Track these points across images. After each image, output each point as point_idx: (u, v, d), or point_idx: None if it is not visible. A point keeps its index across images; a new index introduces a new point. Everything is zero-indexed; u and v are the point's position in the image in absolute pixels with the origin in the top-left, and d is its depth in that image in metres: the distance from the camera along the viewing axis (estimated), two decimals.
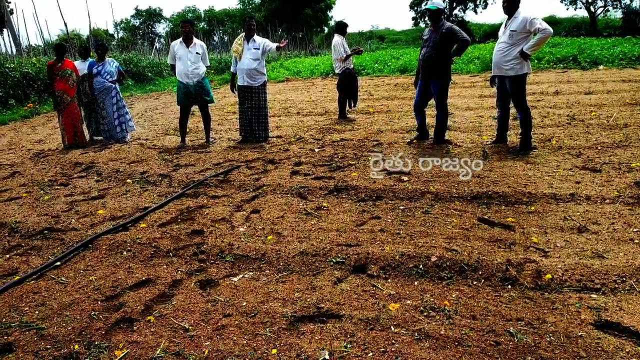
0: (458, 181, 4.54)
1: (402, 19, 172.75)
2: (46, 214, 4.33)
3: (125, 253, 3.38)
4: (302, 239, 3.41)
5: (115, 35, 71.47)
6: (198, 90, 6.78)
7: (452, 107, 8.89)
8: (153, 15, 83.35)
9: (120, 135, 7.55)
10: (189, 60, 6.64)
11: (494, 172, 4.77)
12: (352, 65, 8.41)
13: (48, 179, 5.59)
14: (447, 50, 5.76)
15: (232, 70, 6.92)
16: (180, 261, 3.21)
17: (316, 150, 6.29)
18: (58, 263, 3.25)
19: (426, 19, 56.28)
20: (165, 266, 3.14)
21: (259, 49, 6.61)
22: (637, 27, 33.02)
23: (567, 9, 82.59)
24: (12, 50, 24.90)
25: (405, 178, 4.75)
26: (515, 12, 5.25)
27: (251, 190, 4.71)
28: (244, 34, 6.68)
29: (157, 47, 23.90)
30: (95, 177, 5.59)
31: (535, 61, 15.21)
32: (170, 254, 3.31)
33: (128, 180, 5.32)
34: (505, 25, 5.38)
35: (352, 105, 8.76)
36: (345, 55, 8.10)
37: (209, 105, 7.07)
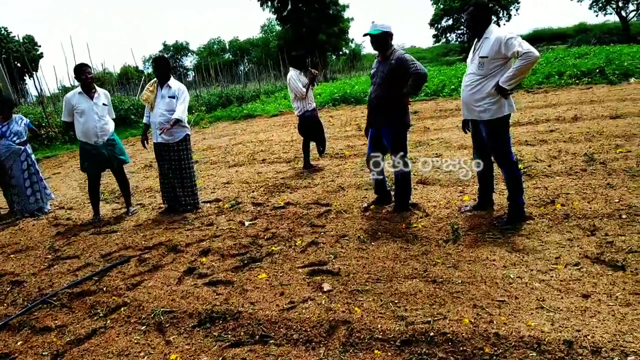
0: (397, 295, 2.95)
1: (428, 36, 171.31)
2: None
3: None
4: None
5: (145, 71, 73.49)
6: (110, 150, 5.47)
7: (442, 145, 7.28)
8: (180, 50, 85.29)
9: (35, 206, 6.30)
10: (96, 114, 5.34)
11: (459, 272, 3.17)
12: (313, 106, 6.96)
13: None
14: (399, 88, 4.25)
15: (144, 120, 5.57)
16: None
17: (246, 223, 4.83)
18: None
19: (442, 36, 54.95)
20: None
21: (174, 97, 5.25)
22: None
23: (597, 15, 79.03)
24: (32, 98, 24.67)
25: (327, 287, 3.19)
26: (484, 31, 3.71)
27: (101, 315, 3.26)
28: (155, 79, 5.35)
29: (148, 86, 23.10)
30: None
31: (556, 77, 13.38)
32: None
33: None
34: (474, 49, 3.84)
35: (321, 151, 7.29)
36: (304, 90, 6.67)
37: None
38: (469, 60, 3.92)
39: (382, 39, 4.24)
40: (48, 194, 6.48)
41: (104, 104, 5.41)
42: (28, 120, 6.44)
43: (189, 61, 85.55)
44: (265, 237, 4.35)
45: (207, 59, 48.13)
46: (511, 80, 3.56)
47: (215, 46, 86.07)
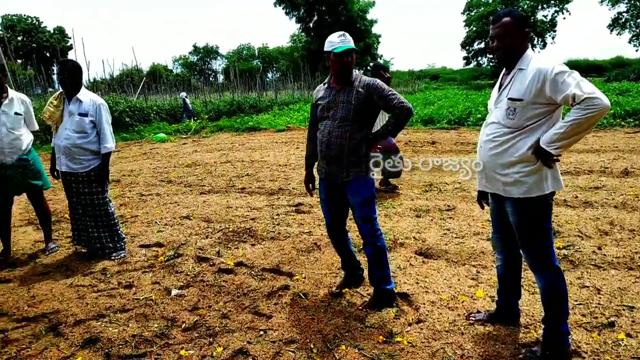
0: None
1: (458, 58, 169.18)
2: None
3: None
4: None
5: (174, 71, 73.64)
6: (20, 172, 4.21)
7: (458, 192, 5.86)
8: (210, 52, 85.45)
9: None
10: (3, 125, 4.10)
11: None
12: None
13: None
14: (366, 126, 3.02)
15: (52, 143, 4.30)
16: None
17: (173, 293, 3.50)
18: None
19: (473, 59, 52.05)
20: None
21: (87, 115, 3.99)
22: None
23: (637, 50, 76.18)
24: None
25: None
26: (517, 58, 2.34)
27: None
28: (61, 90, 4.09)
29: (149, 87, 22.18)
30: None
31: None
32: None
33: None
34: (500, 86, 2.47)
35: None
36: None
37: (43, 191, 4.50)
38: (491, 101, 2.55)
39: (352, 59, 2.94)
40: None
41: (16, 113, 4.17)
42: None
43: (217, 64, 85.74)
44: (185, 325, 3.02)
45: (234, 64, 47.52)
46: (561, 141, 2.18)
47: (244, 52, 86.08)
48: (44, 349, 2.82)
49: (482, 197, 2.75)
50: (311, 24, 40.78)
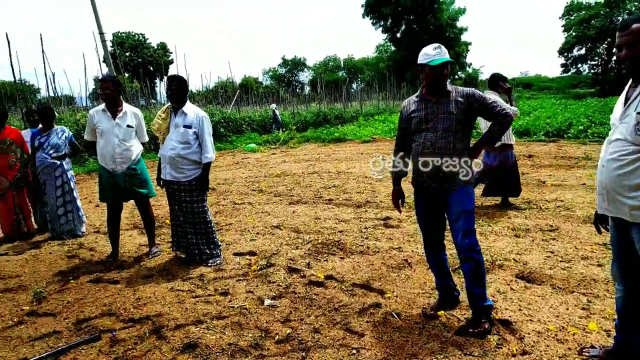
0: None
1: (554, 65, 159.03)
2: None
3: None
4: None
5: (263, 83, 76.98)
6: (129, 180, 4.57)
7: (560, 211, 5.45)
8: (297, 65, 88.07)
9: (66, 227, 5.64)
10: (116, 136, 4.48)
11: None
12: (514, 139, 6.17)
13: None
14: (468, 134, 3.01)
15: (159, 154, 4.57)
16: None
17: (266, 303, 3.57)
18: None
19: (572, 66, 48.32)
20: None
21: (190, 127, 4.23)
22: None
23: None
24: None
25: None
26: None
27: None
28: (169, 104, 4.35)
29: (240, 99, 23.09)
30: None
31: None
32: None
33: None
34: (627, 99, 2.22)
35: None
36: (516, 110, 6.10)
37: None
38: (615, 116, 2.29)
39: (447, 71, 2.93)
40: (81, 216, 5.80)
41: (128, 126, 4.53)
42: (70, 134, 5.84)
43: (304, 76, 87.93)
44: (278, 337, 3.05)
45: (320, 75, 48.49)
46: None
47: (330, 63, 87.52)
48: (148, 351, 2.98)
49: (600, 220, 2.49)
50: (398, 34, 40.49)
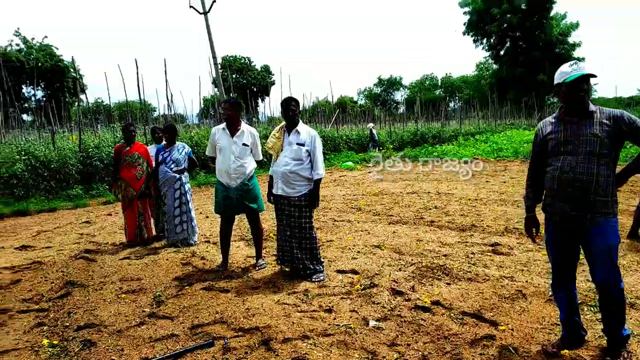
0: None
1: None
2: None
3: None
4: None
5: (358, 102, 78.09)
6: (241, 194, 4.82)
7: None
8: (393, 84, 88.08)
9: (181, 236, 6.08)
10: (232, 153, 4.77)
11: None
12: None
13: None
14: (614, 160, 2.73)
15: (270, 171, 4.75)
16: None
17: (370, 324, 3.53)
18: None
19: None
20: None
21: (303, 145, 4.35)
22: None
23: None
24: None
25: None
26: None
27: None
28: (284, 123, 4.52)
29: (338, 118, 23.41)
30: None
31: None
32: None
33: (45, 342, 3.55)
34: None
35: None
36: None
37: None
38: None
39: (588, 86, 2.71)
40: (194, 227, 6.21)
41: (244, 144, 4.81)
42: (189, 150, 6.32)
43: (399, 95, 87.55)
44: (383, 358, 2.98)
45: (416, 94, 47.91)
46: None
47: (427, 82, 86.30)
48: None
49: None
50: (502, 51, 38.84)
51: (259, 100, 56.18)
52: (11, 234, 7.75)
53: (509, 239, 5.72)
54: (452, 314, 3.60)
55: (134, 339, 3.49)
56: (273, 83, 63.54)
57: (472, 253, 5.16)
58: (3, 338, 3.59)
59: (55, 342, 3.46)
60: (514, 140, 17.23)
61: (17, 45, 42.14)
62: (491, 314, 3.58)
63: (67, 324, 3.79)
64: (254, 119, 24.13)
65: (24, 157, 10.52)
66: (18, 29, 43.58)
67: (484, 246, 5.43)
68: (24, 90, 42.69)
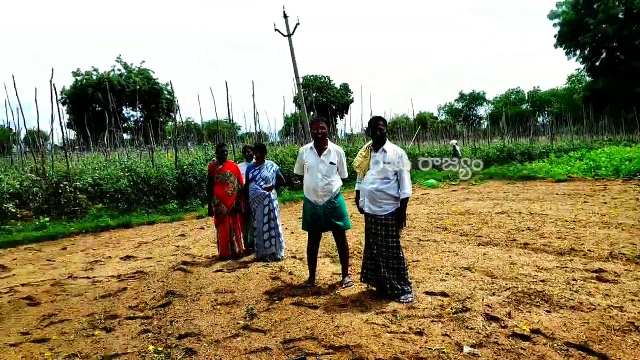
0: None
1: None
2: None
3: None
4: None
5: (439, 118, 76.69)
6: (328, 212, 4.90)
7: None
8: (476, 99, 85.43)
9: (270, 251, 6.29)
10: (320, 172, 4.88)
11: None
12: None
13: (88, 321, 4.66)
14: None
15: (357, 187, 4.79)
16: None
17: (465, 350, 3.40)
18: None
19: None
20: None
21: (390, 163, 4.33)
22: None
23: None
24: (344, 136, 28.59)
25: None
26: None
27: None
28: (371, 142, 4.52)
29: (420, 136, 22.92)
30: (141, 327, 4.32)
31: None
32: None
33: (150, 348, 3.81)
34: None
35: None
36: None
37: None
38: None
39: None
40: (281, 242, 6.40)
41: (331, 163, 4.90)
42: (278, 168, 6.55)
43: (482, 110, 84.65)
44: None
45: (502, 109, 45.92)
46: None
47: (513, 97, 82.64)
48: None
49: None
50: (598, 63, 36.26)
51: (338, 118, 56.86)
52: (117, 245, 8.45)
53: (615, 265, 5.26)
54: (555, 345, 3.37)
55: (230, 350, 3.64)
56: (352, 101, 64.06)
57: (574, 279, 4.80)
58: (114, 342, 3.90)
59: (160, 349, 3.70)
60: (613, 158, 15.85)
61: (119, 70, 46.50)
62: (600, 346, 3.30)
63: (170, 332, 4.05)
64: (333, 137, 24.44)
65: (127, 174, 11.48)
66: (120, 55, 47.95)
67: (586, 272, 5.04)
68: (124, 112, 46.90)
